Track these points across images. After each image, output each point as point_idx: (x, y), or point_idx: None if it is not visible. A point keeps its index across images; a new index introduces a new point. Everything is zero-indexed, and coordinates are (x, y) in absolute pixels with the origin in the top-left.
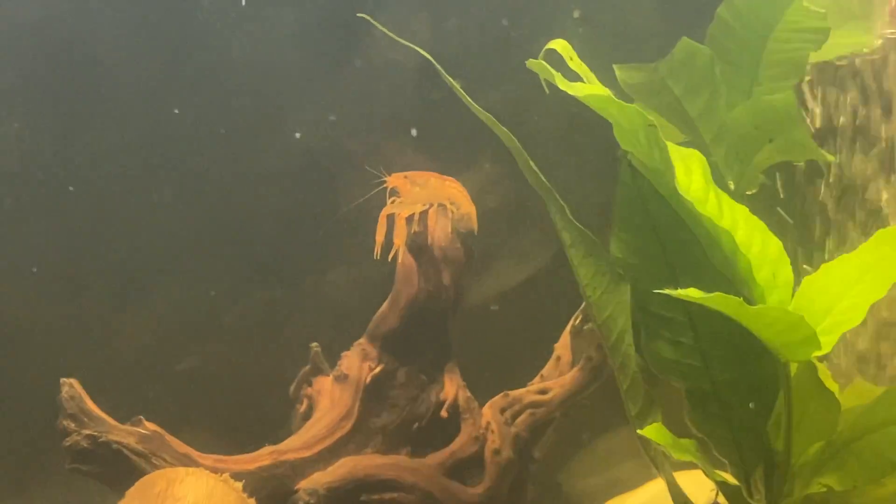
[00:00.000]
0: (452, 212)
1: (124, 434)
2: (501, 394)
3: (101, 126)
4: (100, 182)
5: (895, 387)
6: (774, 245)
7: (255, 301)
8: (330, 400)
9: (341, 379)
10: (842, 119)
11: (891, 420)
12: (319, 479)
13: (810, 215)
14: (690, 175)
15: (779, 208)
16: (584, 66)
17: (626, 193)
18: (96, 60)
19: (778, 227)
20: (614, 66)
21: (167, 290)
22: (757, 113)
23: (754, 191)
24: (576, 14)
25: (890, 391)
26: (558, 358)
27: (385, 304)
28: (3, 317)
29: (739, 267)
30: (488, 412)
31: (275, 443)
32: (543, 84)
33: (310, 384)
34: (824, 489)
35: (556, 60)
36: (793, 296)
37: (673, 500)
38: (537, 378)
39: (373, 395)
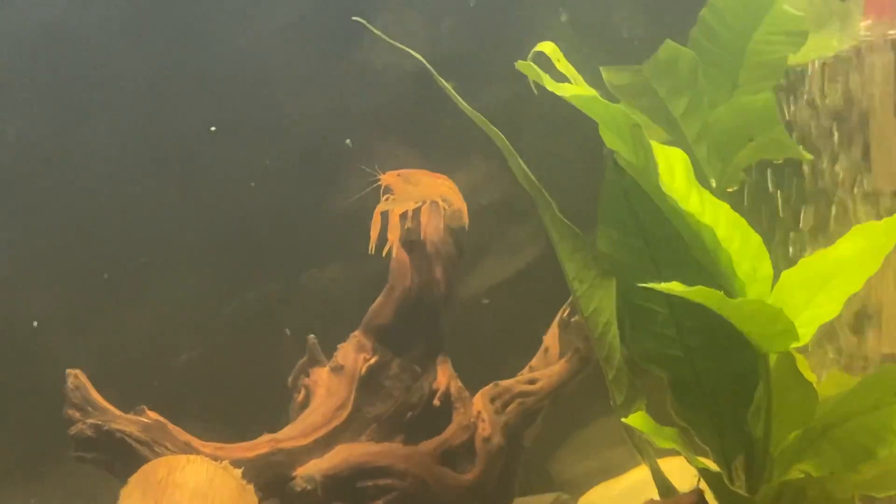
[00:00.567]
0: (444, 209)
1: (127, 423)
2: (492, 384)
3: (105, 127)
4: (103, 180)
5: (870, 376)
6: (754, 240)
7: (254, 295)
8: (326, 390)
9: (337, 370)
10: (821, 119)
11: (866, 409)
12: (316, 467)
13: (794, 212)
14: (673, 173)
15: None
16: (571, 68)
17: (612, 191)
18: (100, 59)
19: (763, 223)
20: (600, 68)
21: (169, 284)
22: (738, 113)
23: (735, 188)
24: (563, 17)
25: (865, 381)
26: (546, 349)
27: (379, 298)
28: (12, 311)
29: (720, 261)
30: (479, 401)
31: (273, 431)
32: (532, 85)
33: (307, 375)
34: (802, 475)
35: (544, 62)
36: (772, 289)
37: (657, 486)
38: (526, 368)
39: (368, 385)
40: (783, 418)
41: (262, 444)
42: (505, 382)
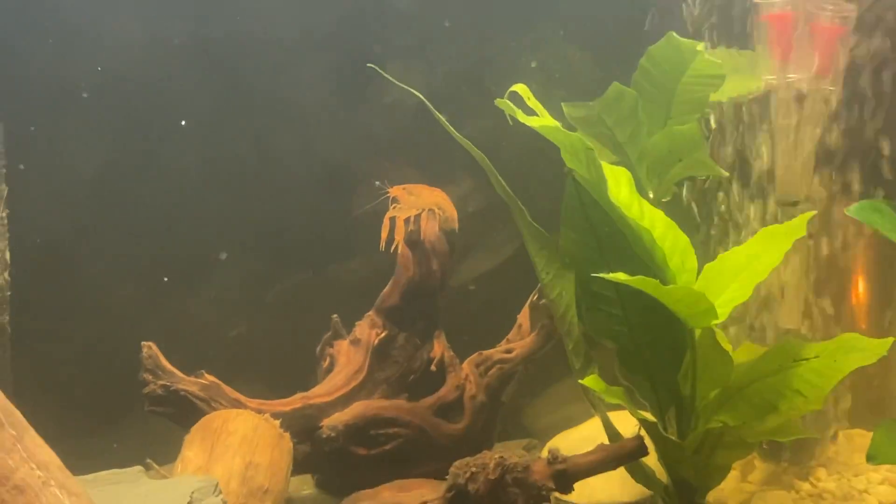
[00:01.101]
0: (439, 215)
1: (190, 384)
2: (477, 353)
3: (176, 149)
4: (174, 192)
5: (774, 347)
6: (683, 240)
7: (290, 283)
8: (346, 358)
9: (355, 342)
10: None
11: (770, 372)
12: (338, 418)
13: (719, 216)
14: (619, 187)
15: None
16: (539, 104)
17: (571, 201)
18: (170, 96)
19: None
20: (562, 104)
21: (222, 275)
22: (670, 139)
23: (668, 198)
24: (533, 64)
25: (769, 351)
26: (520, 325)
27: (388, 285)
28: (104, 296)
29: (656, 257)
30: (467, 367)
31: (304, 391)
32: (508, 118)
33: (331, 346)
34: (721, 424)
35: (518, 100)
36: (697, 278)
37: (607, 433)
38: (504, 341)
39: (379, 354)
40: (706, 380)
41: (295, 401)
42: (487, 352)
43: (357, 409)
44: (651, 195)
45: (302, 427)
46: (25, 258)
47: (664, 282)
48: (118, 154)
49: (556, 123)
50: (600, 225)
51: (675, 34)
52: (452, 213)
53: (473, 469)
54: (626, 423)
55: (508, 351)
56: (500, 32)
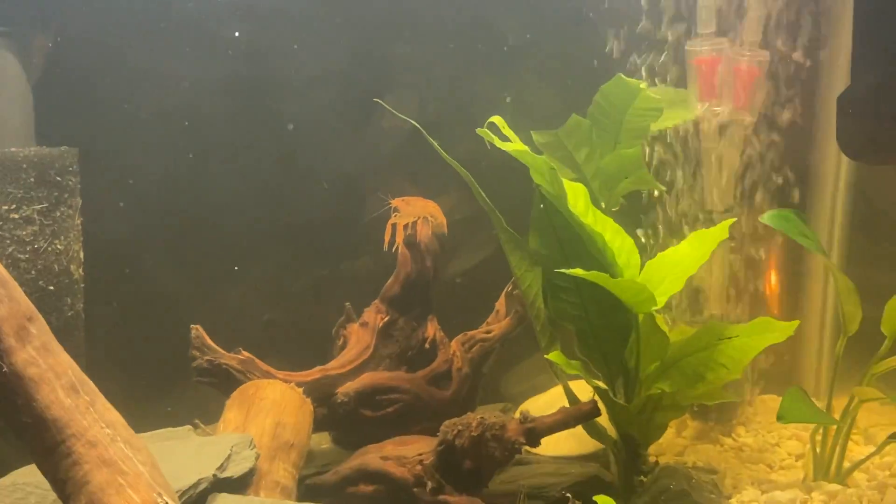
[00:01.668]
0: (431, 221)
1: (229, 359)
2: (462, 333)
3: (223, 162)
4: (220, 200)
5: (702, 328)
6: (629, 242)
7: (312, 277)
8: (357, 338)
9: (364, 325)
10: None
11: (699, 349)
12: (350, 387)
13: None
14: (577, 199)
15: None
16: (512, 132)
17: (538, 210)
18: (216, 116)
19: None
20: (531, 132)
21: (258, 268)
22: (618, 160)
23: (617, 208)
24: (507, 99)
25: (698, 331)
26: (497, 311)
27: (391, 279)
28: (158, 286)
29: (607, 255)
30: (454, 345)
31: (323, 365)
32: (487, 143)
33: (344, 328)
34: (659, 391)
35: (496, 128)
36: (640, 273)
37: (567, 398)
38: (485, 324)
39: (383, 335)
40: (647, 355)
41: (315, 373)
42: (471, 332)
43: (365, 379)
44: (603, 206)
45: (321, 394)
46: (96, 256)
47: (613, 276)
48: (171, 169)
49: (526, 148)
50: (562, 230)
51: (622, 75)
52: (442, 219)
53: (460, 427)
54: (584, 391)
55: (488, 332)
56: (482, 73)
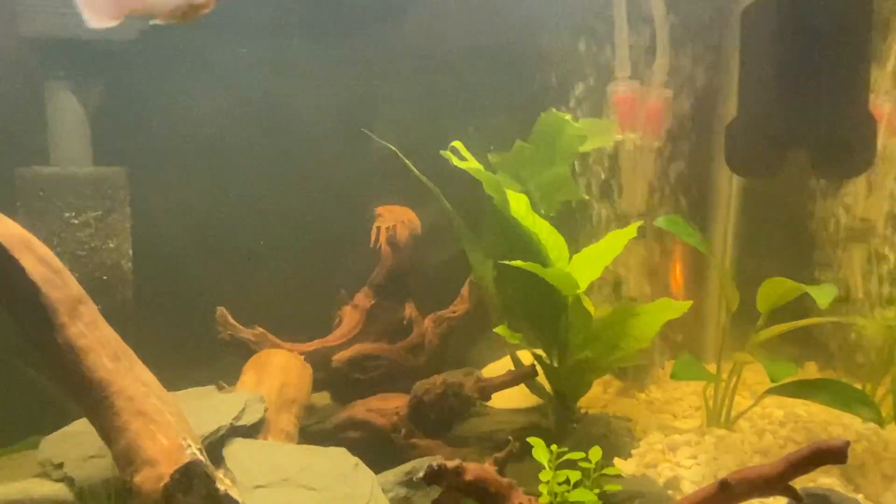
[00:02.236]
0: (408, 225)
1: (247, 333)
2: (433, 313)
3: (243, 175)
4: (242, 208)
5: (619, 308)
6: (560, 240)
7: (315, 269)
8: (349, 317)
9: (355, 307)
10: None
11: (616, 323)
12: (343, 355)
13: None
14: (519, 206)
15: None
16: (469, 154)
17: (489, 215)
18: (239, 145)
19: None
20: (487, 154)
21: (271, 260)
22: (553, 176)
23: (553, 214)
24: (470, 129)
25: (615, 310)
26: (461, 295)
27: (376, 270)
28: (192, 275)
29: (542, 251)
30: (427, 322)
31: (321, 338)
32: (450, 163)
33: (340, 310)
34: (585, 357)
35: (457, 150)
36: (569, 263)
37: (513, 363)
38: (451, 306)
39: (370, 315)
40: (575, 328)
41: (315, 344)
42: (440, 312)
43: (355, 349)
44: (543, 212)
45: (320, 361)
46: (142, 253)
47: (547, 266)
48: (202, 184)
49: (480, 166)
50: (508, 230)
51: (554, 109)
52: (417, 223)
53: (427, 386)
54: (526, 358)
55: (454, 312)
56: (449, 108)
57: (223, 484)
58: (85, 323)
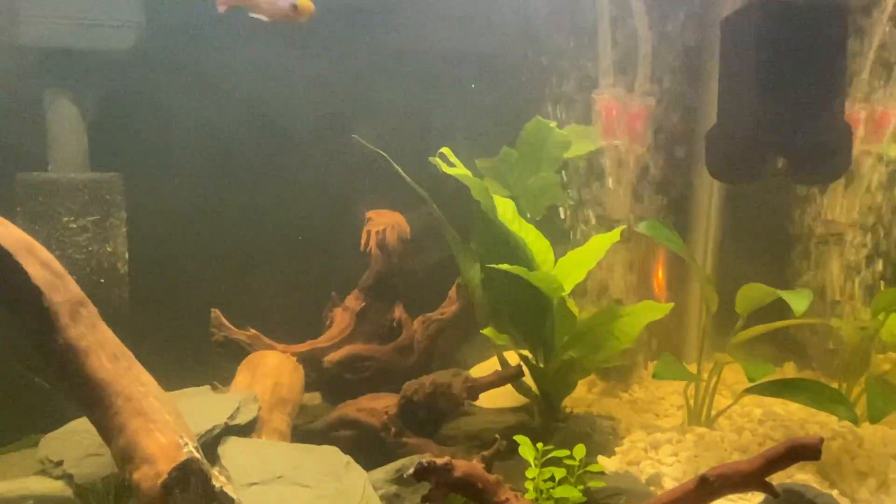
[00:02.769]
0: (397, 229)
1: (241, 334)
2: (422, 315)
3: (236, 180)
4: (241, 213)
5: (603, 310)
6: (546, 243)
7: (308, 273)
8: (340, 319)
9: (346, 309)
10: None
11: (599, 325)
12: (334, 356)
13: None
14: (506, 211)
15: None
16: (458, 160)
17: (477, 220)
18: (243, 152)
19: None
20: (475, 160)
21: (265, 264)
22: (539, 182)
23: (539, 218)
24: (460, 135)
25: (599, 312)
26: (450, 297)
27: (366, 272)
28: (186, 277)
29: (528, 254)
30: (416, 324)
31: (314, 339)
32: (439, 168)
33: (331, 311)
34: (570, 357)
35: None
36: (554, 267)
37: (500, 363)
38: (440, 308)
39: (360, 317)
40: (560, 330)
41: (307, 345)
42: (428, 314)
43: (346, 350)
44: (529, 216)
45: (310, 362)
46: (138, 256)
47: (533, 269)
48: (195, 189)
49: (468, 172)
50: (495, 234)
51: (540, 116)
52: (406, 228)
53: (416, 387)
54: (513, 358)
55: (442, 314)
56: (441, 114)
57: (218, 481)
58: (85, 325)
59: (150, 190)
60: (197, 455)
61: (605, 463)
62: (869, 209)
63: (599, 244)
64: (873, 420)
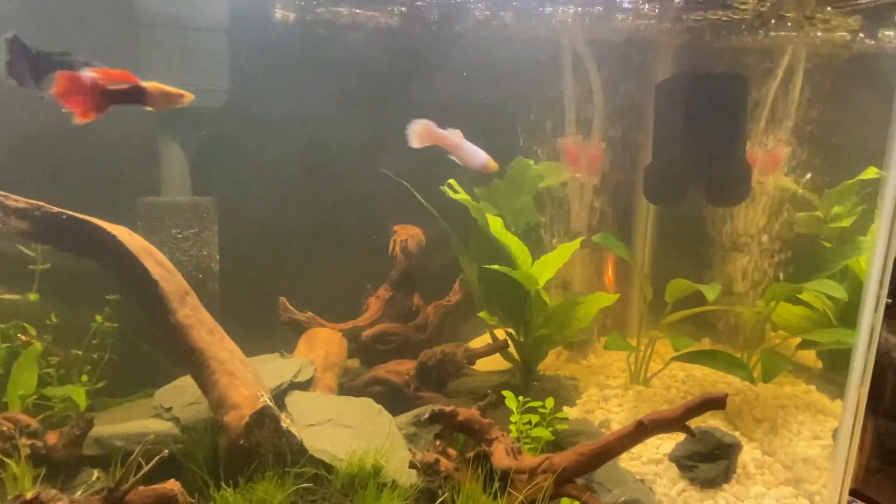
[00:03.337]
0: (416, 238)
1: (301, 316)
2: (434, 302)
3: (300, 201)
4: (296, 220)
5: (567, 298)
6: (525, 250)
7: (348, 270)
8: (373, 305)
9: (378, 298)
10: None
11: (565, 310)
12: (369, 332)
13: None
14: (496, 225)
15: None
16: (461, 188)
17: (475, 232)
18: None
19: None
20: (474, 188)
21: (319, 264)
22: (521, 204)
23: (521, 231)
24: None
25: (563, 301)
26: (455, 289)
27: (393, 270)
28: (263, 273)
29: (512, 258)
30: (429, 308)
31: (354, 320)
32: (447, 194)
33: (367, 299)
34: (542, 333)
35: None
36: (532, 267)
37: (491, 338)
38: (447, 297)
39: (388, 303)
40: (535, 313)
41: (349, 324)
42: (439, 301)
43: (378, 328)
44: (513, 229)
45: (353, 336)
46: (226, 258)
47: (515, 269)
48: (268, 208)
49: (468, 197)
50: (488, 243)
51: (521, 157)
52: (422, 238)
53: (430, 355)
54: (501, 334)
55: (449, 301)
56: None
57: (285, 423)
58: (190, 308)
59: (235, 210)
60: (270, 403)
61: (569, 411)
62: (764, 225)
63: (565, 250)
64: (766, 380)
